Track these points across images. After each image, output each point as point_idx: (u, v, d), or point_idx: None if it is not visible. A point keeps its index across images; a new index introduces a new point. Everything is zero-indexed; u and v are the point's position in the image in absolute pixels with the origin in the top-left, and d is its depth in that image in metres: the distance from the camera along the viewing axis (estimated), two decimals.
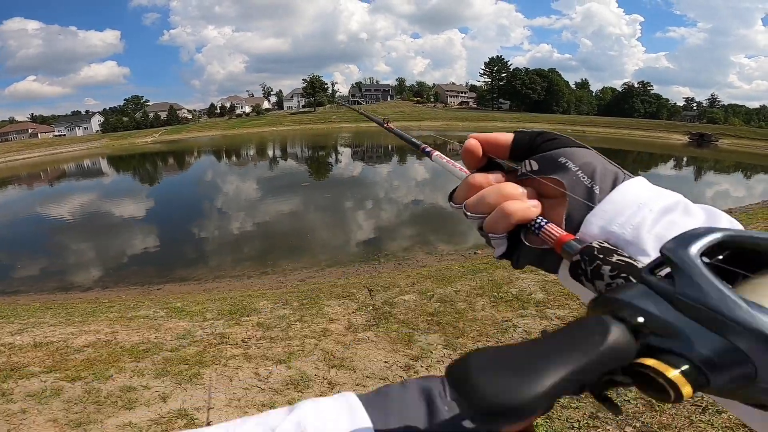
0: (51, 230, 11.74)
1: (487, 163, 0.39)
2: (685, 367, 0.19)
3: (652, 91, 76.16)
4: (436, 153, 0.49)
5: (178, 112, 79.59)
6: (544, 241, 0.33)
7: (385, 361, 2.90)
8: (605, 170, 0.34)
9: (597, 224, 0.31)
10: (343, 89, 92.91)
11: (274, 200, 13.86)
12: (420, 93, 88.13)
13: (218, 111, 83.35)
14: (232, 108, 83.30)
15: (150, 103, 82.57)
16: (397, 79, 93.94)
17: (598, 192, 0.33)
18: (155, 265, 7.87)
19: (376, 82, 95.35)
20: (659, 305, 0.21)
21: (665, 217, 0.30)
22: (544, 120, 57.97)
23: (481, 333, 3.22)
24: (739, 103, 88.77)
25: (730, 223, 0.30)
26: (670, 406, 2.00)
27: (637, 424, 1.99)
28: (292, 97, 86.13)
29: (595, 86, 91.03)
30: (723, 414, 1.97)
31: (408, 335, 3.25)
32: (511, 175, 0.37)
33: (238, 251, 8.52)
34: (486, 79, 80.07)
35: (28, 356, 3.37)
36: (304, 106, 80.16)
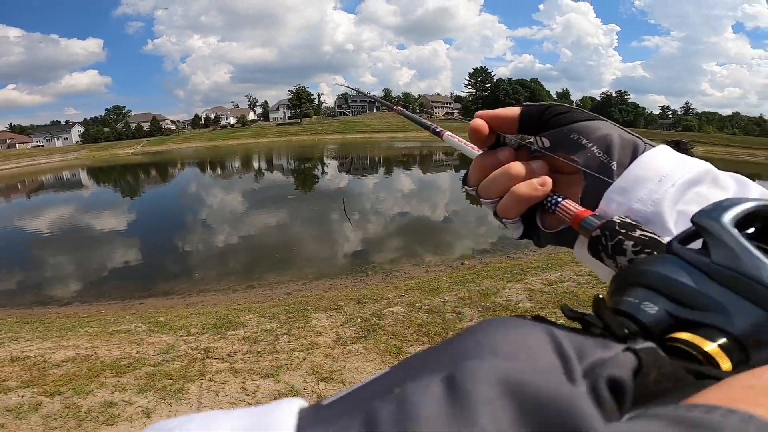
0: (28, 243, 11.41)
1: (497, 140, 0.37)
2: (723, 340, 0.18)
3: (629, 100, 78.44)
4: (447, 133, 0.50)
5: (161, 122, 78.69)
6: (561, 218, 0.32)
7: (375, 374, 2.89)
8: (623, 142, 0.31)
9: (616, 200, 0.30)
10: (329, 100, 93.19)
11: (259, 213, 13.75)
12: (406, 104, 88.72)
13: (202, 122, 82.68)
14: (217, 119, 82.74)
15: (132, 114, 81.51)
16: (383, 90, 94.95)
17: (615, 167, 0.31)
18: (137, 279, 7.70)
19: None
20: (693, 276, 0.20)
21: (691, 189, 0.28)
22: None
23: None
24: (712, 110, 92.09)
25: (761, 194, 0.28)
26: None
27: None
28: (278, 108, 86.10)
29: (575, 96, 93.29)
30: None
31: (397, 347, 3.25)
32: (524, 151, 0.36)
33: (223, 265, 8.40)
34: (470, 90, 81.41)
35: (5, 371, 3.26)
36: (290, 118, 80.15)
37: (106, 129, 74.36)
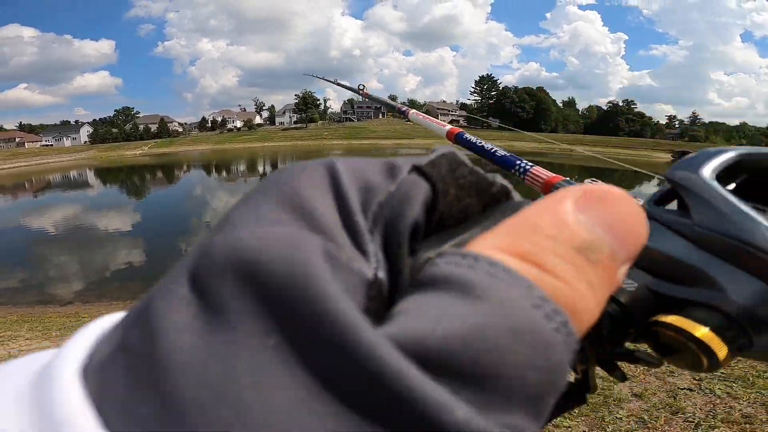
0: (32, 242, 11.47)
1: None
2: (718, 321, 0.15)
3: (636, 110, 78.04)
4: (413, 111, 0.49)
5: (168, 124, 79.35)
6: (531, 185, 0.31)
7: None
8: None
9: None
10: (335, 106, 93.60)
11: None
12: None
13: (209, 125, 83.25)
14: (224, 122, 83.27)
15: (140, 115, 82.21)
16: (389, 97, 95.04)
17: None
18: (140, 280, 7.70)
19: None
20: (673, 242, 0.17)
21: None
22: (531, 138, 58.99)
23: None
24: (720, 120, 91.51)
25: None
26: (663, 422, 1.97)
27: None
28: (284, 112, 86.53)
29: (581, 104, 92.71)
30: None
31: None
32: None
33: None
34: (476, 98, 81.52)
35: None
36: (296, 122, 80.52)
37: (114, 130, 75.01)
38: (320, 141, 62.90)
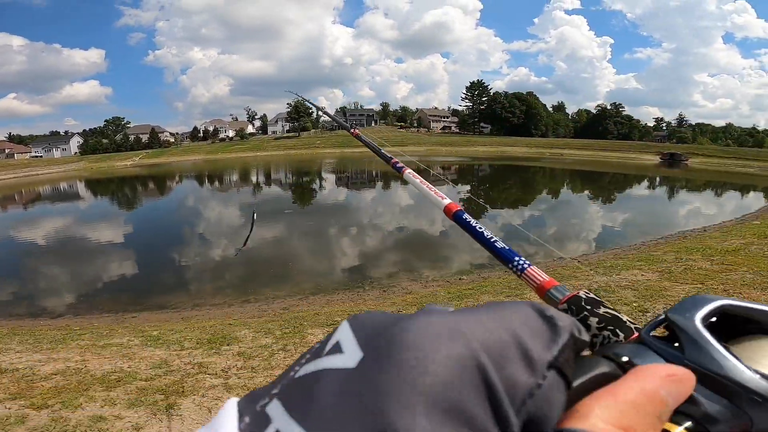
0: (22, 254, 11.32)
1: None
2: (688, 423, 0.20)
3: (624, 113, 79.00)
4: (408, 171, 0.48)
5: (159, 135, 78.91)
6: (527, 284, 0.32)
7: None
8: None
9: None
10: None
11: (256, 227, 13.69)
12: (403, 118, 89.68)
13: (201, 134, 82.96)
14: (216, 132, 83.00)
15: (131, 125, 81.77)
16: (381, 104, 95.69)
17: None
18: (131, 292, 7.62)
19: (361, 107, 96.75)
20: None
21: None
22: (523, 144, 59.45)
23: None
24: (706, 121, 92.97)
25: None
26: None
27: None
28: (276, 121, 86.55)
29: (570, 108, 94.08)
30: None
31: None
32: None
33: (219, 279, 8.33)
34: (467, 104, 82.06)
35: None
36: (288, 131, 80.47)
37: (104, 140, 74.44)
38: (313, 150, 62.86)
